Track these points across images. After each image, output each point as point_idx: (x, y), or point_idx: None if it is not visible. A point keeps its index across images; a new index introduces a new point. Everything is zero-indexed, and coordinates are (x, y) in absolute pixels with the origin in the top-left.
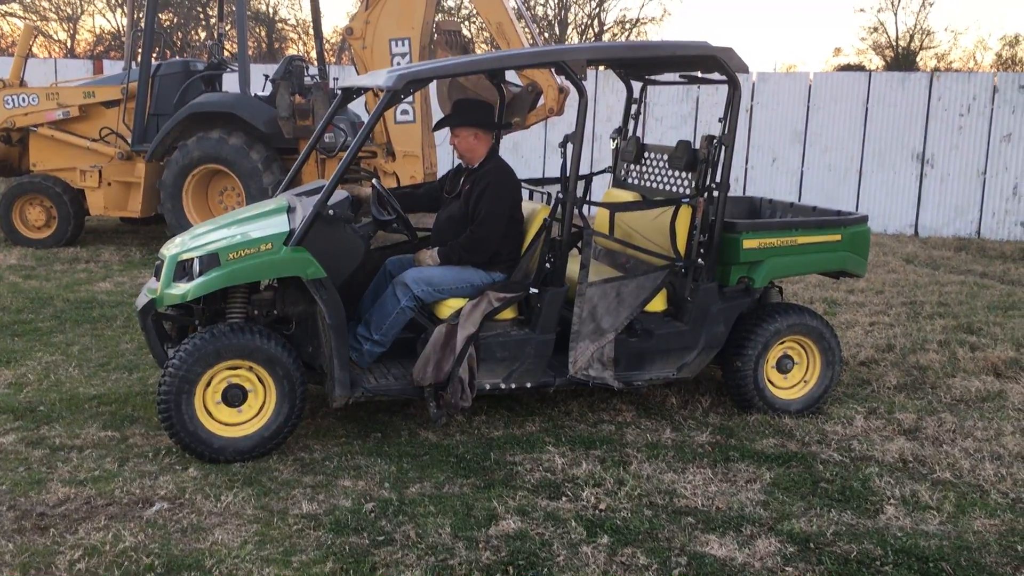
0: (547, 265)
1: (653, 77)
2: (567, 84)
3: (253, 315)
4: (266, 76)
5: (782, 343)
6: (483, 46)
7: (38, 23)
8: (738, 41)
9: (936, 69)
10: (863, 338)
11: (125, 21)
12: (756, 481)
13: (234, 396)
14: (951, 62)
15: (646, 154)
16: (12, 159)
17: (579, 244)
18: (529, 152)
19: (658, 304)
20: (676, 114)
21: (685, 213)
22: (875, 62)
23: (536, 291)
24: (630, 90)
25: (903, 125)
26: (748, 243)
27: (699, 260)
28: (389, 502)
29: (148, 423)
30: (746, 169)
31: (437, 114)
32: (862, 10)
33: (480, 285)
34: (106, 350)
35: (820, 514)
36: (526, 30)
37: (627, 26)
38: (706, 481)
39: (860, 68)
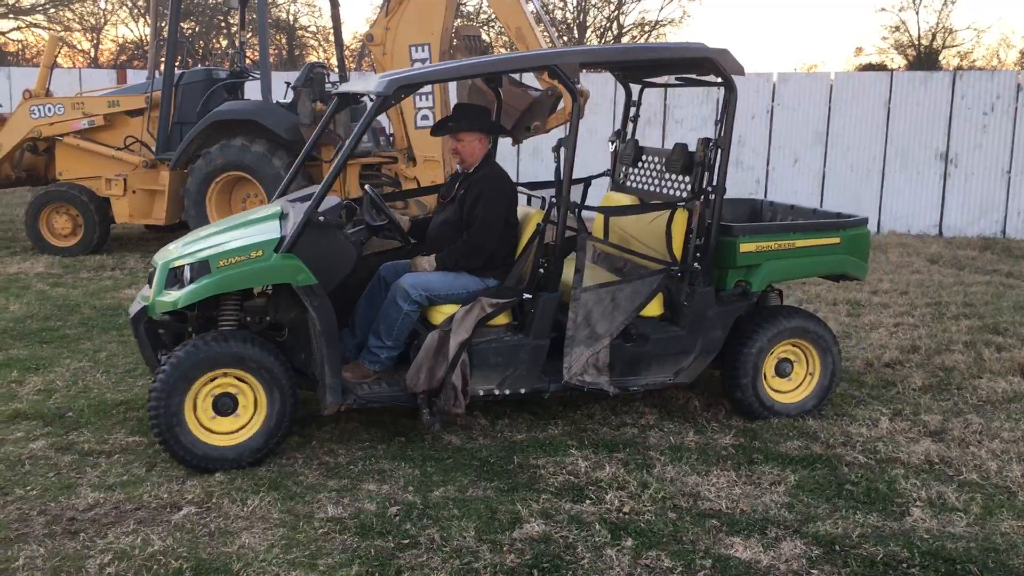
0: (540, 270)
1: (651, 80)
2: (587, 87)
3: (246, 322)
4: (288, 83)
5: (781, 347)
6: (502, 50)
7: (62, 34)
8: (757, 42)
9: (959, 68)
10: (888, 339)
11: (147, 31)
12: (780, 483)
13: (225, 404)
14: (974, 60)
15: (644, 157)
16: (39, 168)
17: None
18: (549, 156)
19: (654, 309)
20: (697, 116)
21: (681, 217)
22: (897, 61)
23: (529, 296)
24: (628, 93)
25: (926, 124)
26: (745, 247)
27: (695, 264)
28: (413, 505)
29: None
30: (767, 170)
31: None
32: (883, 9)
33: (475, 291)
34: (132, 356)
35: (845, 516)
36: (545, 34)
37: (646, 29)
38: (730, 483)
39: (882, 67)
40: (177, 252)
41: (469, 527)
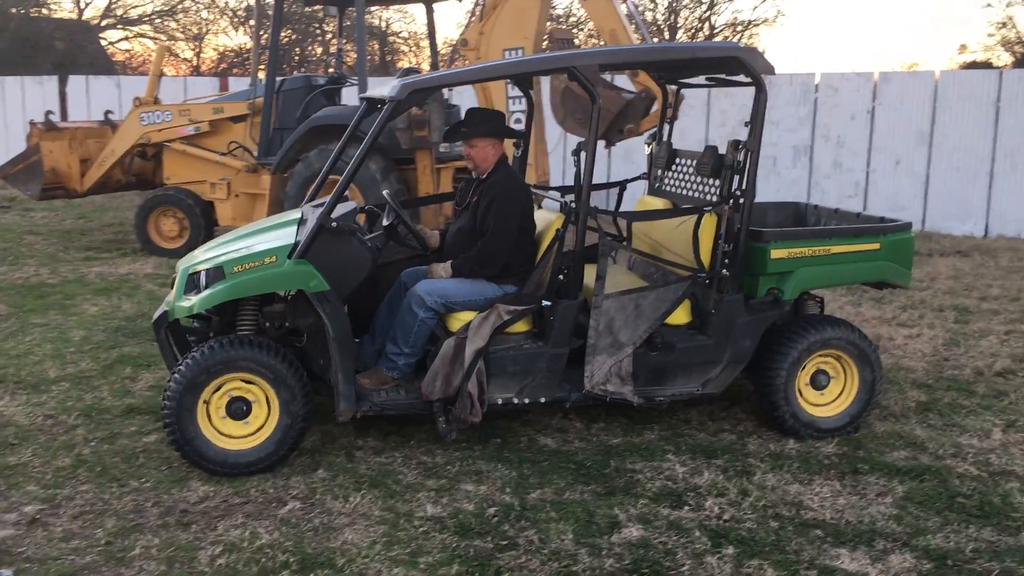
0: (560, 277)
1: (685, 81)
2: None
3: (264, 327)
4: None
5: (817, 358)
6: None
7: (168, 44)
8: (857, 40)
9: None
10: (999, 347)
11: (246, 39)
12: (887, 495)
13: (238, 409)
14: None
15: (677, 160)
16: (147, 173)
17: (611, 255)
18: (641, 159)
19: (681, 316)
20: (793, 117)
21: (709, 222)
22: (1003, 59)
23: (548, 303)
24: (665, 94)
25: None
26: (776, 253)
27: (723, 271)
28: (511, 507)
29: None
30: (867, 172)
31: (549, 122)
32: (990, 5)
33: (493, 298)
34: None
35: (957, 530)
36: (637, 35)
37: (739, 29)
38: (834, 493)
39: (987, 65)
40: (199, 257)
41: (567, 530)
